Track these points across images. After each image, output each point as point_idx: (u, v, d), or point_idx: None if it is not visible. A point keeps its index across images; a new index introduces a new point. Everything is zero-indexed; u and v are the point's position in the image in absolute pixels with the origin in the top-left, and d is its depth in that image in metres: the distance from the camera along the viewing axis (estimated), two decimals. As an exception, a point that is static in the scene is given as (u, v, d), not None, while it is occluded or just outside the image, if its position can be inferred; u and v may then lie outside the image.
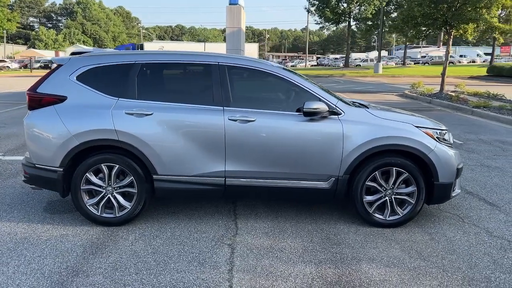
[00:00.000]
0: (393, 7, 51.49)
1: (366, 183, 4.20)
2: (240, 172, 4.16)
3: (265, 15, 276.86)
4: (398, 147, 4.14)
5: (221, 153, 4.12)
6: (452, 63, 56.92)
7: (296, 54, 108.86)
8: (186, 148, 4.10)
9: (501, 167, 6.82)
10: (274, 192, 4.26)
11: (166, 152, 4.09)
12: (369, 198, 4.25)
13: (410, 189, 4.23)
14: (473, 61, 67.83)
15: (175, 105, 4.16)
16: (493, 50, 48.43)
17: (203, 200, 4.93)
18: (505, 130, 10.56)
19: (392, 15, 51.27)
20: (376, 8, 48.32)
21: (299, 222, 4.40)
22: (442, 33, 20.90)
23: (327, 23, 54.31)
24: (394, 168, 4.17)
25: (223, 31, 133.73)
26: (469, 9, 16.50)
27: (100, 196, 4.16)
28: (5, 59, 58.50)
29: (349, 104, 4.44)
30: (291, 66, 63.52)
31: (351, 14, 50.83)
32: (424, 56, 69.51)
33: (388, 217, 4.26)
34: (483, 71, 37.71)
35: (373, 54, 75.07)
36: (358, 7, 50.14)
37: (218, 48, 55.09)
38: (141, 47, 48.66)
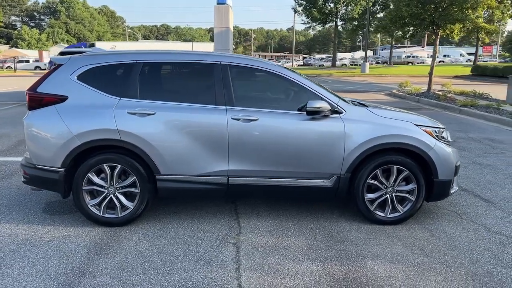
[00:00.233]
0: (379, 7, 52.04)
1: (368, 181, 4.25)
2: (243, 171, 4.17)
3: (251, 15, 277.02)
4: (399, 145, 4.20)
5: (224, 153, 4.13)
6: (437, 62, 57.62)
7: (282, 54, 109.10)
8: (189, 148, 4.10)
9: (492, 164, 6.96)
10: (277, 191, 4.28)
11: (169, 152, 4.08)
12: (370, 195, 4.30)
13: (410, 186, 4.30)
14: (457, 61, 68.95)
15: (177, 104, 4.15)
16: (477, 50, 49.29)
17: (206, 199, 4.92)
18: (493, 128, 10.77)
19: (378, 15, 51.83)
20: (362, 8, 48.73)
21: (301, 221, 4.43)
22: (427, 34, 21.16)
23: (314, 23, 54.54)
24: (394, 166, 4.23)
25: (209, 30, 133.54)
26: (456, 9, 16.79)
27: (102, 196, 4.12)
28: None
29: (350, 103, 4.48)
30: (278, 66, 63.23)
31: (338, 14, 51.17)
32: (409, 56, 70.29)
33: (389, 214, 4.32)
34: (468, 71, 38.34)
35: (359, 54, 75.73)
36: (345, 7, 50.48)
37: (206, 48, 54.68)
38: (93, 46, 48.41)
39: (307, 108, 4.07)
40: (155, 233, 4.07)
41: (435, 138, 4.33)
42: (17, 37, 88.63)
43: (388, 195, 4.30)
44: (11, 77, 34.58)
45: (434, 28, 17.81)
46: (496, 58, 72.77)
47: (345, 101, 4.48)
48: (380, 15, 51.28)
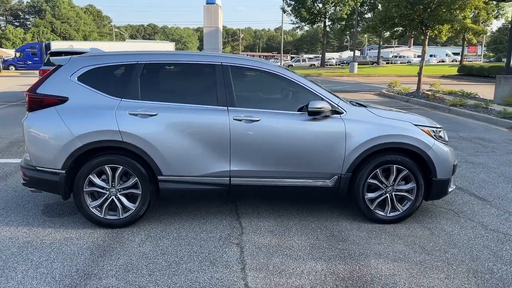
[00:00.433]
0: (367, 7, 52.43)
1: (368, 180, 4.30)
2: (245, 172, 4.19)
3: (238, 15, 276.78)
4: (399, 145, 4.26)
5: (226, 153, 4.14)
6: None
7: (270, 54, 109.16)
8: (191, 149, 4.10)
9: (485, 163, 7.08)
10: (278, 191, 4.30)
11: (171, 153, 4.08)
12: (370, 195, 4.35)
13: (409, 185, 4.35)
14: (442, 61, 69.86)
15: (179, 105, 4.15)
16: (463, 50, 50.00)
17: (207, 200, 4.93)
18: (483, 128, 10.94)
19: (366, 15, 52.24)
20: (350, 9, 49.05)
21: (302, 220, 4.46)
22: (414, 34, 21.35)
23: (303, 23, 54.71)
24: (394, 166, 4.29)
25: (197, 30, 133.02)
26: (444, 10, 17.00)
27: (104, 198, 4.10)
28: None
29: (350, 104, 4.53)
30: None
31: (327, 14, 51.41)
32: (396, 56, 70.98)
33: (389, 213, 4.37)
34: (454, 71, 38.86)
35: (346, 54, 76.25)
36: (333, 7, 50.74)
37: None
38: (48, 46, 47.92)
39: (309, 109, 4.10)
40: (158, 234, 4.07)
41: (433, 138, 4.39)
42: (2, 36, 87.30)
43: (388, 194, 4.36)
44: (-3, 77, 34.03)
45: (423, 28, 18.02)
46: (481, 58, 73.93)
47: (345, 101, 4.52)
48: (368, 15, 51.73)
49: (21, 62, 50.27)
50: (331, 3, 49.23)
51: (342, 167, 4.25)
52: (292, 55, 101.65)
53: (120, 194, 4.12)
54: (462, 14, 17.52)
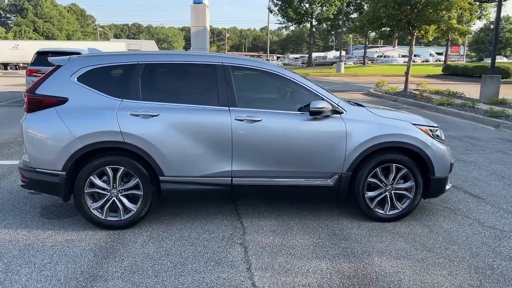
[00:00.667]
0: (352, 8, 52.84)
1: (368, 179, 4.35)
2: (247, 172, 4.20)
3: (224, 15, 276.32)
4: (399, 144, 4.32)
5: (227, 153, 4.14)
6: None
7: (256, 54, 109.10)
8: (193, 149, 4.09)
9: (476, 161, 7.21)
10: (279, 190, 4.33)
11: (173, 153, 4.07)
12: (370, 194, 4.40)
13: (408, 184, 4.42)
14: (426, 61, 70.78)
15: (181, 106, 4.14)
16: (447, 50, 50.68)
17: (208, 200, 4.92)
18: (470, 126, 11.14)
19: (351, 15, 52.64)
20: (337, 9, 49.36)
21: (302, 220, 4.49)
22: (399, 34, 21.61)
23: (289, 23, 54.86)
24: (394, 164, 4.35)
25: (182, 29, 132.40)
26: (431, 10, 17.24)
27: (105, 199, 4.07)
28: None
29: (349, 104, 4.57)
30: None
31: (313, 14, 51.65)
32: (381, 56, 71.70)
33: (388, 211, 4.43)
34: (439, 70, 39.41)
35: (332, 53, 76.62)
36: (320, 7, 50.99)
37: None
38: None
39: (310, 109, 4.13)
40: (160, 235, 4.05)
41: (431, 137, 4.47)
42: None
43: (387, 193, 4.41)
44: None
45: (410, 29, 18.25)
46: (463, 58, 75.15)
47: (344, 101, 4.56)
48: (354, 15, 52.13)
49: None
50: (318, 3, 49.49)
51: (343, 166, 4.29)
52: (278, 55, 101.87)
53: (121, 195, 4.09)
54: (448, 15, 17.76)
